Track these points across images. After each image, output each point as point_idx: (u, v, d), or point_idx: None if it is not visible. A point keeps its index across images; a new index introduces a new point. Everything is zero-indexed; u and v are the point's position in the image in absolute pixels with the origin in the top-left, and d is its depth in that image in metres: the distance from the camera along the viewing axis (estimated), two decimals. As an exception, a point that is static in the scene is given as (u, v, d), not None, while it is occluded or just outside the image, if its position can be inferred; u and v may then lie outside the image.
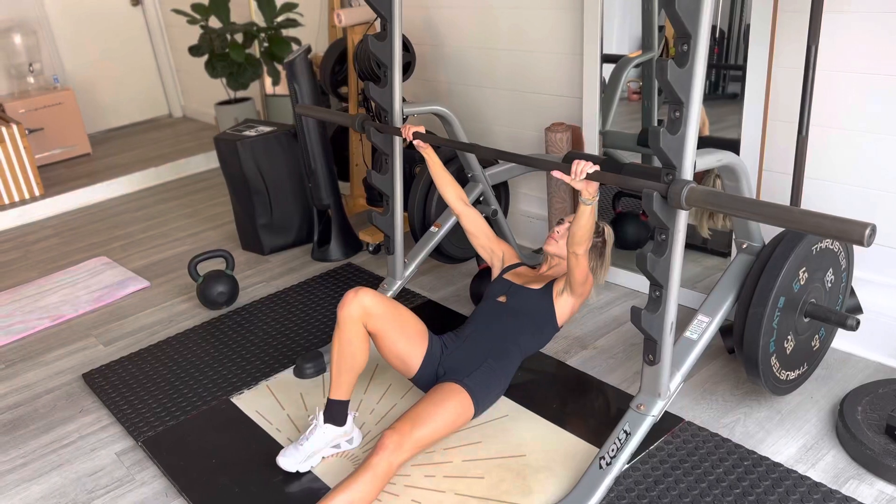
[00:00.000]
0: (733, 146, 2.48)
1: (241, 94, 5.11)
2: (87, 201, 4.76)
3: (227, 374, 2.65)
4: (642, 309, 1.86)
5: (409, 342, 2.20)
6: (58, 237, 4.28)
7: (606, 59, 2.96)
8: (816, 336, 2.19)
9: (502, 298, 2.41)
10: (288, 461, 2.11)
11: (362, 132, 2.58)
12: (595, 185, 1.95)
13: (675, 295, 1.84)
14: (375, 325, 2.13)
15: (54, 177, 5.09)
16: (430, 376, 2.24)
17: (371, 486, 1.87)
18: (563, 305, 2.34)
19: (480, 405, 2.15)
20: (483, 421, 2.26)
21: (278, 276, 3.44)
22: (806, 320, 2.09)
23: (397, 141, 2.57)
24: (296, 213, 3.67)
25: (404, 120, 3.33)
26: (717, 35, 2.71)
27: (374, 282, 3.22)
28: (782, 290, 1.95)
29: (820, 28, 2.05)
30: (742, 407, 2.23)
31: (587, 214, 2.02)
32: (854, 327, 1.98)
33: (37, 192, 4.69)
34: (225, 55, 4.65)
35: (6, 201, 4.59)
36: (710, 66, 2.75)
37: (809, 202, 2.38)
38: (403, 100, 3.57)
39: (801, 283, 2.01)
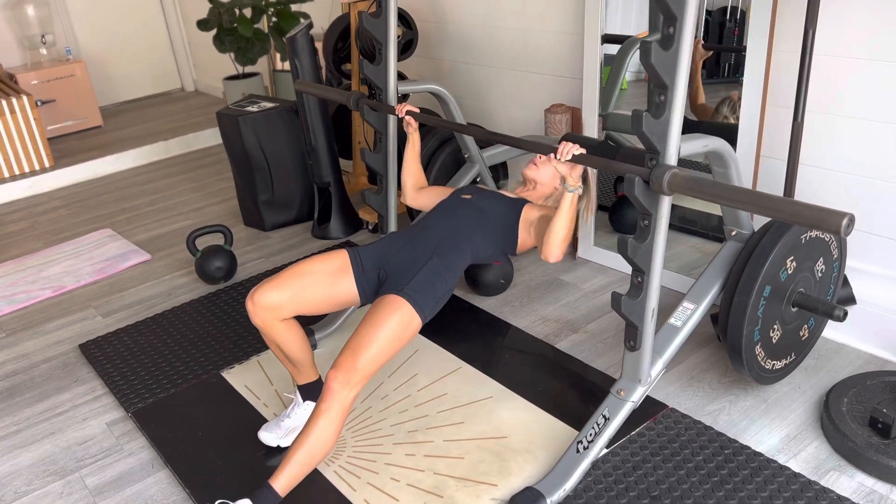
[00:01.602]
0: (731, 131, 2.44)
1: (249, 69, 5.10)
2: (96, 174, 4.80)
3: (219, 349, 2.68)
4: (623, 295, 1.85)
5: (331, 286, 2.06)
6: (66, 208, 4.32)
7: (611, 39, 2.92)
8: (805, 326, 2.16)
9: (467, 196, 2.25)
10: (269, 436, 2.13)
11: (357, 110, 2.57)
12: (579, 170, 1.92)
13: (657, 281, 1.82)
14: (290, 309, 2.02)
15: (65, 148, 5.13)
16: (373, 288, 2.09)
17: (328, 431, 1.80)
18: (525, 234, 2.19)
19: (425, 311, 1.95)
20: (466, 402, 2.27)
21: (277, 253, 3.46)
22: (793, 310, 2.07)
23: (392, 120, 2.56)
24: (297, 190, 3.67)
25: (404, 98, 3.32)
26: (737, 17, 2.66)
27: (371, 260, 3.22)
28: (768, 279, 1.93)
29: (818, 11, 2.00)
30: (728, 395, 2.22)
31: (569, 204, 1.94)
32: (841, 318, 1.95)
33: (46, 164, 4.73)
34: (233, 29, 4.64)
35: (16, 172, 4.63)
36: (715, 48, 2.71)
37: (804, 190, 2.35)
38: (404, 77, 3.56)
39: (789, 272, 1.98)
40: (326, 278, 2.06)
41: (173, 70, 6.39)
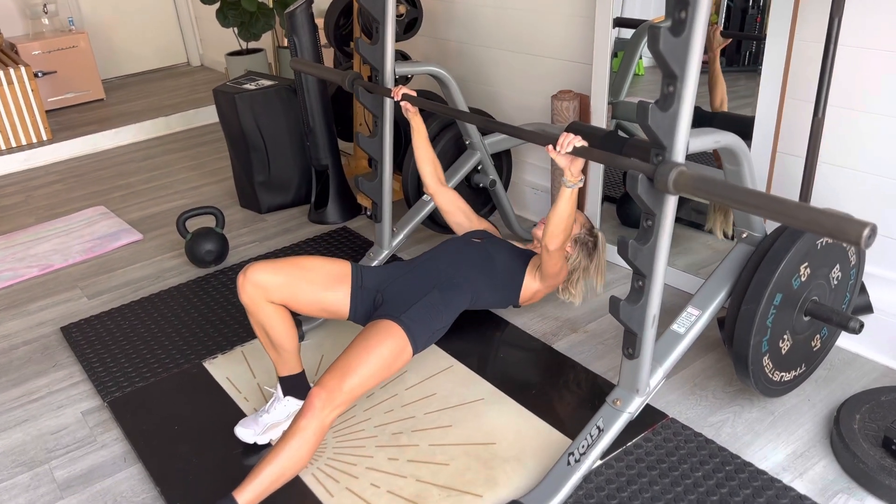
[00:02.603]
0: (747, 124, 2.30)
1: (253, 44, 4.97)
2: (94, 148, 4.69)
3: (203, 337, 2.57)
4: (621, 300, 1.72)
5: (326, 290, 2.02)
6: (61, 183, 4.23)
7: (625, 23, 2.77)
8: (818, 336, 2.03)
9: (478, 240, 2.26)
10: (246, 432, 2.03)
11: (352, 91, 2.44)
12: (580, 164, 1.80)
13: (659, 286, 1.69)
14: (280, 294, 1.95)
15: (65, 121, 5.03)
16: (367, 309, 2.05)
17: (302, 450, 1.69)
18: (530, 283, 2.21)
19: (419, 343, 1.90)
20: (456, 403, 2.15)
21: (272, 237, 3.35)
22: (806, 319, 1.93)
23: (388, 103, 2.43)
24: (295, 172, 3.55)
25: (407, 80, 3.18)
26: (760, 3, 2.51)
27: (368, 248, 3.10)
28: (780, 287, 1.79)
29: (845, -1, 1.85)
30: (733, 406, 2.09)
31: (566, 200, 1.85)
32: (857, 330, 1.82)
33: (44, 137, 4.64)
34: (237, 4, 4.50)
35: (13, 145, 4.54)
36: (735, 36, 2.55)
37: (822, 190, 2.20)
38: (407, 57, 3.42)
39: (802, 279, 1.85)
40: (324, 280, 2.03)
41: (179, 44, 6.27)
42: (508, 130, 1.94)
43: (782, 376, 1.97)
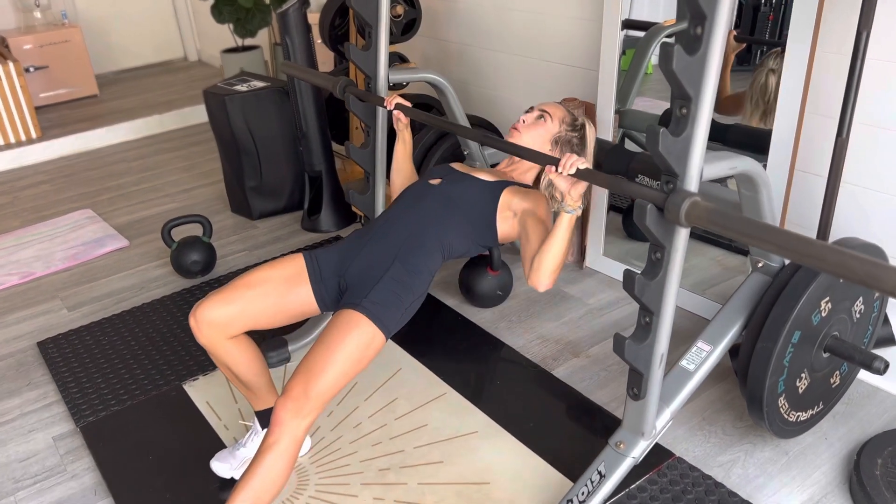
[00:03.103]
0: (764, 137, 2.15)
1: (249, 41, 4.82)
2: (84, 147, 4.56)
3: (184, 356, 2.44)
4: (627, 338, 1.58)
5: (286, 296, 1.81)
6: (49, 184, 4.10)
7: (635, 25, 2.62)
8: (837, 372, 1.89)
9: (436, 181, 1.97)
10: (222, 466, 1.90)
11: (343, 98, 2.30)
12: (581, 187, 1.65)
13: (667, 324, 1.55)
14: (239, 325, 1.77)
15: (56, 118, 4.89)
16: (333, 298, 1.85)
17: (276, 468, 1.55)
18: (504, 225, 1.92)
19: (389, 326, 1.70)
20: (448, 436, 2.02)
21: (262, 245, 3.21)
22: (825, 356, 1.79)
23: (381, 112, 2.29)
24: (288, 177, 3.41)
25: (400, 88, 3.04)
26: (773, 1, 2.36)
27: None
28: (798, 324, 1.65)
29: (874, 10, 1.70)
30: (744, 443, 1.96)
31: (564, 228, 1.66)
32: (881, 371, 1.68)
33: (34, 135, 4.50)
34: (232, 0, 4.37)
35: (1, 143, 4.41)
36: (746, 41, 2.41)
37: (844, 212, 2.06)
38: (403, 59, 3.27)
39: (823, 314, 1.71)
40: (278, 287, 1.81)
41: (176, 38, 6.12)
42: (507, 148, 1.80)
43: (798, 416, 1.83)
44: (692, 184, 1.43)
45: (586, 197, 1.84)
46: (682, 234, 1.47)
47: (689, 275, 2.56)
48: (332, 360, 1.61)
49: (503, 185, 1.94)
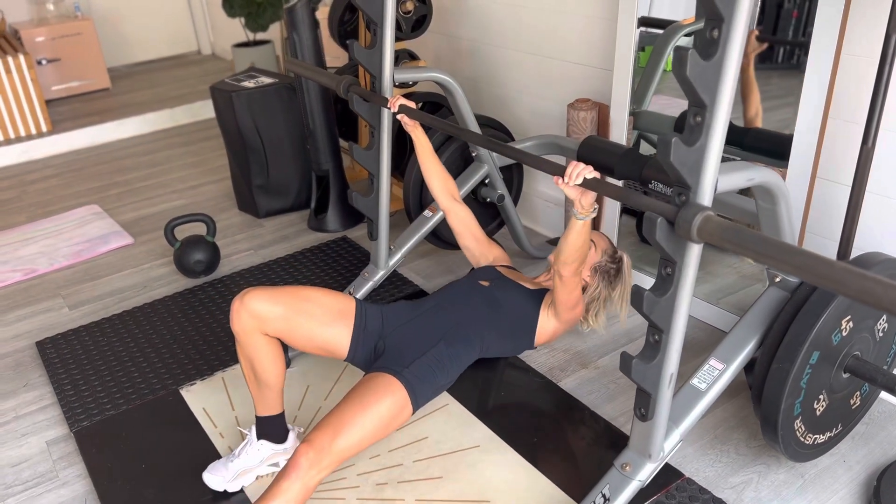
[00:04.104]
0: (784, 143, 2.05)
1: (261, 36, 4.76)
2: (94, 141, 4.53)
3: (183, 359, 2.39)
4: (633, 357, 1.50)
5: (327, 326, 1.84)
6: (58, 178, 4.07)
7: (650, 23, 2.53)
8: (857, 393, 1.79)
9: (485, 283, 2.07)
10: (215, 479, 1.84)
11: (347, 98, 2.23)
12: (591, 197, 1.57)
13: (678, 343, 1.47)
14: (276, 327, 1.78)
15: (67, 111, 4.87)
16: (367, 354, 1.90)
17: None
18: (546, 323, 2.02)
19: (420, 401, 1.75)
20: (449, 450, 1.95)
21: (268, 245, 3.15)
22: (845, 376, 1.70)
23: (386, 112, 2.22)
24: (295, 175, 3.35)
25: (411, 84, 2.96)
26: None
27: (367, 260, 2.90)
28: (817, 344, 1.56)
29: (905, 12, 1.60)
30: (757, 464, 1.87)
31: (578, 231, 1.66)
32: (905, 394, 1.59)
33: (44, 128, 4.48)
34: (244, -7, 4.31)
35: (11, 136, 4.39)
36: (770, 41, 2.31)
37: (869, 224, 1.96)
38: (413, 56, 3.19)
39: (844, 333, 1.62)
40: (325, 315, 1.85)
41: (190, 31, 6.08)
42: (511, 154, 1.72)
43: (815, 439, 1.74)
44: (706, 197, 1.34)
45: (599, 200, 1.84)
46: (695, 250, 1.38)
47: (704, 283, 2.47)
48: (363, 419, 1.62)
49: (543, 293, 2.09)
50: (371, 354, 1.88)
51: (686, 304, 1.44)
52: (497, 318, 1.98)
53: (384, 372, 1.72)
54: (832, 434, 1.79)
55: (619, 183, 2.58)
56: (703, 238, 1.31)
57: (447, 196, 2.20)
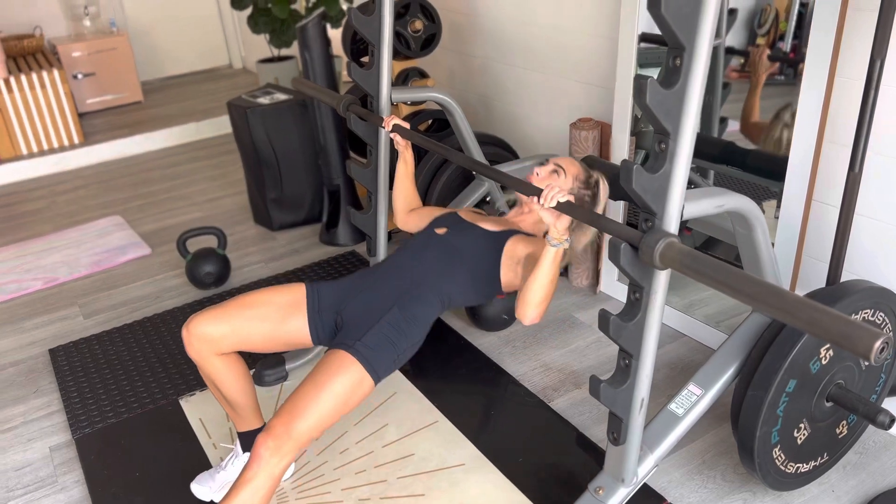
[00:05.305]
0: (783, 166, 2.03)
1: (285, 52, 4.86)
2: (123, 153, 4.67)
3: (185, 370, 2.45)
4: (602, 380, 1.50)
5: (281, 323, 1.80)
6: (86, 189, 4.20)
7: (652, 40, 2.52)
8: (844, 422, 1.76)
9: (442, 230, 1.92)
10: (201, 489, 1.89)
11: (346, 116, 2.27)
12: (566, 220, 1.57)
13: (648, 367, 1.47)
14: (229, 343, 1.76)
15: (100, 124, 5.02)
16: (329, 331, 1.83)
17: None
18: (510, 272, 1.83)
19: (379, 371, 1.67)
20: (434, 468, 1.97)
21: (279, 257, 3.21)
22: (828, 405, 1.67)
23: (383, 131, 2.25)
24: (308, 189, 3.41)
25: (420, 104, 2.97)
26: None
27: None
28: (793, 373, 1.54)
29: (889, 37, 1.58)
30: (743, 491, 1.85)
31: (549, 261, 1.59)
32: (886, 426, 1.56)
33: (76, 140, 4.63)
34: (267, 10, 4.40)
35: (45, 147, 4.55)
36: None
37: (860, 246, 1.93)
38: (423, 74, 3.23)
39: (823, 362, 1.59)
40: (275, 313, 1.80)
41: (222, 46, 6.23)
42: (490, 174, 1.74)
43: (798, 468, 1.72)
44: (671, 224, 1.35)
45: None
46: (662, 276, 1.38)
47: (704, 306, 2.45)
48: (318, 400, 1.58)
49: (509, 234, 1.87)
50: (333, 331, 1.83)
51: (656, 329, 1.44)
52: (454, 268, 1.84)
53: (338, 348, 1.67)
54: (817, 463, 1.76)
55: (613, 203, 2.57)
56: (665, 264, 1.31)
57: (405, 211, 2.16)
